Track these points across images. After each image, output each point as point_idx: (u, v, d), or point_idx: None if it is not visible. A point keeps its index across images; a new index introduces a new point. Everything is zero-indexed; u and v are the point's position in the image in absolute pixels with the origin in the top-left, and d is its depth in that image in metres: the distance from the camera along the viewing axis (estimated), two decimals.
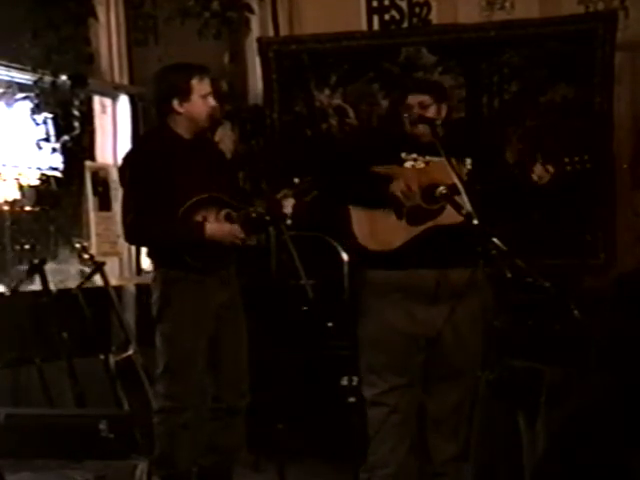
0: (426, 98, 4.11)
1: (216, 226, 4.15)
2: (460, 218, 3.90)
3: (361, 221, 4.04)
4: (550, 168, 3.94)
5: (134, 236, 4.33)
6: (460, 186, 3.81)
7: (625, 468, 4.10)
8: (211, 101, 4.24)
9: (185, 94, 4.19)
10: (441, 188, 3.97)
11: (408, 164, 4.08)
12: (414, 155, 4.08)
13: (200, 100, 4.21)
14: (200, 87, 4.21)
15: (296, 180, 4.07)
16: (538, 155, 4.03)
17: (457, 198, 3.82)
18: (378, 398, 4.02)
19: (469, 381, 4.15)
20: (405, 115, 4.08)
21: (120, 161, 6.03)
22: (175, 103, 4.21)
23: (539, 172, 3.94)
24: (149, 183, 4.14)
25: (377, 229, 3.98)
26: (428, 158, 4.06)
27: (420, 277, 4.00)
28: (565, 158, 3.98)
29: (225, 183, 4.31)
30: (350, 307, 4.25)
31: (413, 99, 4.10)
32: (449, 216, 3.96)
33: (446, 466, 4.15)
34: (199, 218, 4.16)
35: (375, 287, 4.01)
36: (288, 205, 4.07)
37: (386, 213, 4.03)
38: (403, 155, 4.08)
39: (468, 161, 4.10)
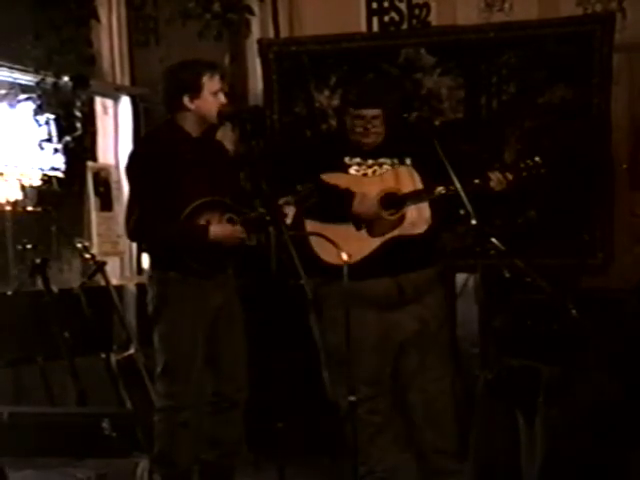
0: (378, 112, 4.14)
1: (219, 228, 4.16)
2: (420, 229, 3.95)
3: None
4: (509, 176, 3.98)
5: (137, 236, 4.35)
6: (458, 186, 3.85)
7: (625, 468, 4.12)
8: (221, 98, 4.25)
9: (196, 90, 4.20)
10: (440, 188, 4.00)
11: (352, 169, 4.10)
12: (357, 159, 4.11)
13: (210, 97, 4.21)
14: (211, 84, 4.22)
15: (299, 187, 4.08)
16: (496, 164, 4.08)
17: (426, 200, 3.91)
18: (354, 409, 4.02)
19: (445, 373, 4.19)
20: (358, 126, 4.10)
21: (123, 160, 6.12)
22: (186, 99, 4.21)
23: (496, 180, 3.97)
24: (154, 182, 4.15)
25: (336, 242, 3.93)
26: (370, 162, 4.09)
27: (384, 285, 4.02)
28: (521, 164, 4.02)
29: (230, 184, 4.32)
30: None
31: (367, 112, 4.11)
32: (409, 227, 3.99)
33: (441, 461, 4.16)
34: (202, 221, 4.16)
35: (337, 299, 3.93)
36: (289, 212, 4.08)
37: (344, 226, 4.04)
38: (346, 160, 4.10)
39: (408, 161, 4.12)
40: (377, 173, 4.11)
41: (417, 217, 4.02)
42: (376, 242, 4.02)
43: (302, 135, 5.73)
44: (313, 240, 4.01)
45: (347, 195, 4.04)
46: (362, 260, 3.99)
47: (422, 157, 4.06)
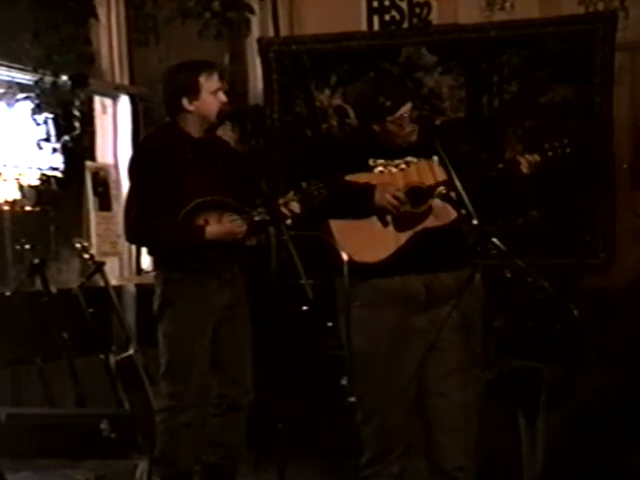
0: (411, 104, 4.09)
1: (216, 227, 4.14)
2: (448, 219, 3.90)
3: (343, 233, 3.98)
4: (537, 157, 3.94)
5: (135, 236, 4.34)
6: (459, 185, 3.81)
7: (625, 467, 4.12)
8: (221, 97, 4.24)
9: (194, 92, 4.18)
10: (441, 188, 3.96)
11: (377, 171, 4.05)
12: (381, 161, 4.05)
13: (210, 97, 4.20)
14: (209, 84, 4.20)
15: (304, 184, 4.03)
16: (520, 146, 4.02)
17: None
18: (371, 413, 3.98)
19: (472, 381, 4.11)
20: (405, 127, 4.04)
21: (122, 160, 6.12)
22: (185, 102, 4.19)
23: (527, 162, 3.94)
24: (154, 182, 4.14)
25: (363, 240, 3.88)
26: (397, 161, 4.05)
27: (411, 283, 3.96)
28: (545, 144, 3.98)
29: (234, 184, 4.28)
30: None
31: (405, 109, 4.06)
32: (436, 218, 3.94)
33: (456, 472, 4.09)
34: (201, 221, 4.14)
35: (366, 297, 3.88)
36: (292, 209, 4.05)
37: (370, 222, 4.00)
38: (370, 162, 4.06)
39: (435, 159, 4.08)
40: (403, 170, 4.06)
41: (444, 208, 3.96)
42: (404, 237, 3.96)
43: (303, 135, 5.72)
44: (341, 240, 3.96)
45: (367, 188, 3.98)
46: (390, 256, 3.94)
47: (448, 155, 3.99)
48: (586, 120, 5.27)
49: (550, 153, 3.95)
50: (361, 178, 4.02)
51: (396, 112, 3.99)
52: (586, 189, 5.27)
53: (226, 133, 5.35)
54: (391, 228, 3.99)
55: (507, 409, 4.50)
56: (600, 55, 5.23)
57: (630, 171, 5.42)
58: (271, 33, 5.98)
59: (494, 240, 3.78)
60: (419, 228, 3.95)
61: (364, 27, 5.86)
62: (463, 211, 3.83)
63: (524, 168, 3.92)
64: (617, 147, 5.32)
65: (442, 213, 3.95)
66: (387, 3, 5.84)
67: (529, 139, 5.32)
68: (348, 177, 4.01)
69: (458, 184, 3.81)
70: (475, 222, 3.75)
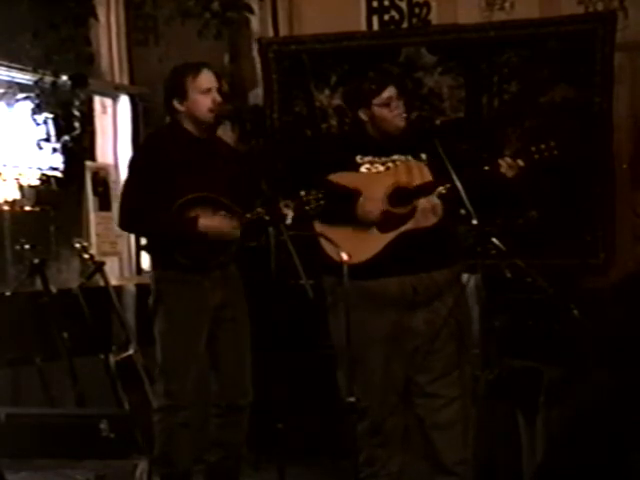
0: (395, 90, 4.06)
1: (208, 220, 4.15)
2: (432, 221, 3.89)
3: (328, 234, 3.97)
4: (520, 162, 3.93)
5: (129, 223, 4.36)
6: (458, 184, 3.81)
7: (625, 468, 4.11)
8: (213, 96, 4.26)
9: (182, 93, 4.24)
10: (440, 188, 3.95)
11: (364, 168, 4.03)
12: (369, 157, 4.04)
13: (199, 96, 4.23)
14: (196, 84, 4.24)
15: (302, 193, 4.01)
16: (519, 146, 4.00)
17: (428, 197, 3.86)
18: (364, 411, 3.98)
19: (463, 377, 4.11)
20: (393, 110, 4.01)
21: (122, 160, 6.12)
22: (176, 103, 4.26)
23: (506, 165, 3.92)
24: (153, 176, 4.18)
25: (346, 241, 3.86)
26: (384, 159, 4.03)
27: (397, 283, 3.95)
28: (532, 147, 3.97)
29: (231, 184, 4.29)
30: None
31: (390, 92, 4.02)
32: (420, 220, 3.92)
33: (456, 467, 4.09)
34: (193, 215, 4.16)
35: (352, 298, 3.81)
36: (288, 213, 4.04)
37: (353, 223, 3.98)
38: (358, 159, 4.04)
39: (423, 156, 4.06)
40: (390, 169, 4.04)
41: (428, 210, 3.94)
42: (387, 238, 3.94)
43: (302, 135, 5.72)
44: (323, 241, 3.95)
45: (351, 198, 3.97)
46: (373, 258, 3.91)
47: (437, 153, 3.97)
48: (586, 120, 5.27)
49: (537, 156, 3.94)
50: (347, 178, 4.01)
51: (381, 93, 3.98)
52: (586, 189, 5.26)
53: (226, 133, 5.35)
54: (374, 229, 3.97)
55: (507, 409, 4.50)
56: (600, 55, 5.23)
57: (630, 171, 5.42)
58: (271, 33, 5.98)
59: (494, 240, 3.78)
60: (403, 229, 3.93)
61: (363, 27, 5.86)
62: (463, 211, 3.83)
63: (504, 170, 3.91)
64: (617, 147, 5.32)
65: (427, 214, 3.93)
66: (387, 3, 5.84)
67: (529, 139, 5.32)
68: (334, 176, 4.00)
69: (458, 184, 3.81)
70: (475, 222, 3.75)
